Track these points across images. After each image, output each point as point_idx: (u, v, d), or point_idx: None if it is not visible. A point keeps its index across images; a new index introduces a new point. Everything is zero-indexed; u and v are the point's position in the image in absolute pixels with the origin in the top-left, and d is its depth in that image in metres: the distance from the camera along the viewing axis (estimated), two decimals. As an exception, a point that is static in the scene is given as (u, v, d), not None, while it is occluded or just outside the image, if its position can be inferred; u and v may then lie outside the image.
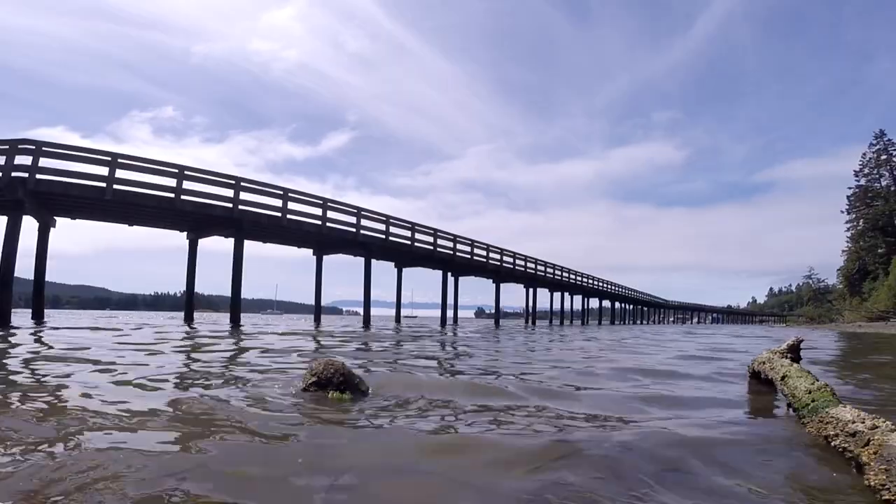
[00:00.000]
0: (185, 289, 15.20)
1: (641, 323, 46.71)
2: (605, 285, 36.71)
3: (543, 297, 31.95)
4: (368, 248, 16.88)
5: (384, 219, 17.48)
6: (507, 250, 24.11)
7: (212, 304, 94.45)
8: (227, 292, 13.65)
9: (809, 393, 1.89)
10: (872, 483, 1.19)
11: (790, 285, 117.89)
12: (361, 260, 17.28)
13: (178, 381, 2.75)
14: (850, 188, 49.72)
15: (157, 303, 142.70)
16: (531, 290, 28.37)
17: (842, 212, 50.31)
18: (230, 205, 12.89)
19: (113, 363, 3.39)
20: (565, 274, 30.30)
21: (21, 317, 12.62)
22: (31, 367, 3.27)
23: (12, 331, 7.10)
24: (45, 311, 13.05)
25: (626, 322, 43.99)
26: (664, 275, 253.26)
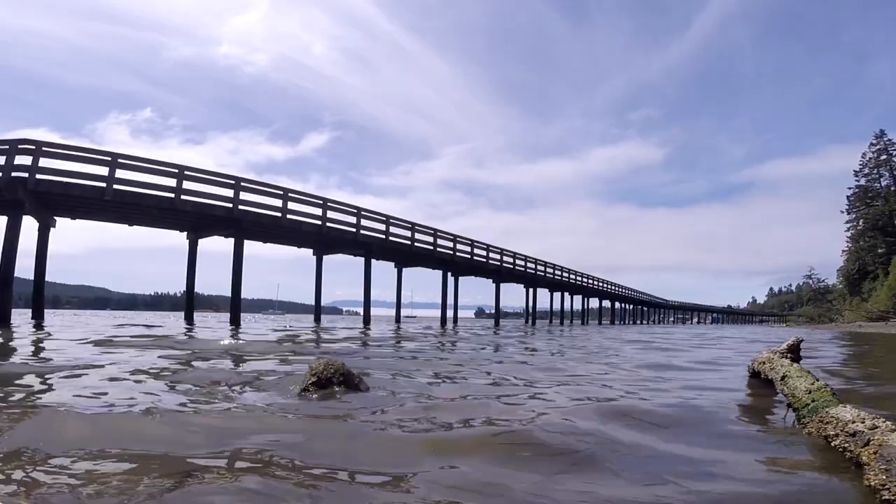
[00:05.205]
0: (185, 289, 15.22)
1: (641, 323, 46.73)
2: (605, 285, 36.73)
3: (543, 297, 32.01)
4: (368, 248, 16.89)
5: (384, 219, 17.49)
6: (507, 250, 24.14)
7: (212, 304, 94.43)
8: (228, 292, 13.67)
9: (809, 393, 1.90)
10: (872, 483, 1.19)
11: (790, 285, 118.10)
12: (361, 260, 17.29)
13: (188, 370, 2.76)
14: (849, 188, 49.84)
15: (157, 303, 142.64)
16: (531, 290, 28.39)
17: (841, 212, 50.43)
18: (230, 205, 12.90)
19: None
20: (565, 274, 30.33)
21: (21, 317, 12.62)
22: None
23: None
24: (45, 310, 13.04)
25: (626, 322, 44.00)
26: (663, 275, 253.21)
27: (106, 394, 2.21)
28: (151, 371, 3.05)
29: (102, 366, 3.18)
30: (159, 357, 3.85)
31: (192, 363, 3.57)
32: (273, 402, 2.15)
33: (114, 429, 1.57)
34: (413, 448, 1.50)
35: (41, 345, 5.10)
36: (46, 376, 2.74)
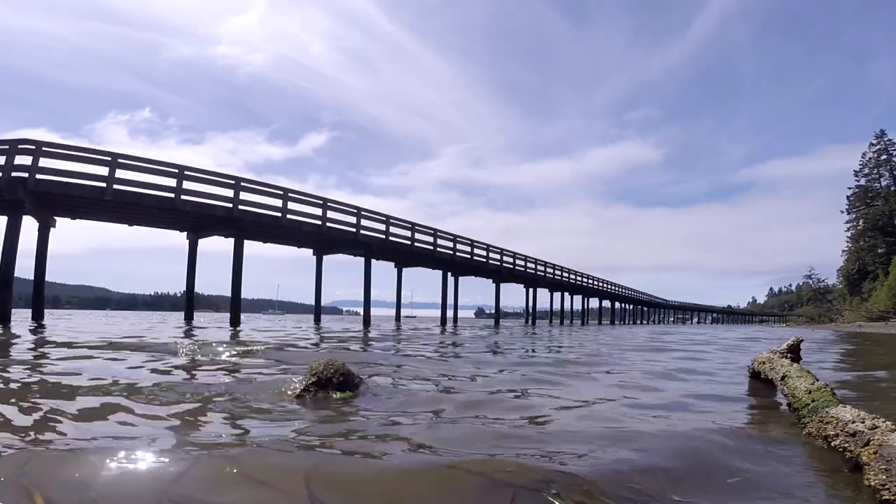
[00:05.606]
0: (185, 289, 15.21)
1: (641, 323, 46.73)
2: (605, 285, 36.72)
3: (543, 297, 32.01)
4: (368, 248, 16.89)
5: (384, 219, 17.49)
6: (507, 250, 24.13)
7: (212, 303, 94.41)
8: (228, 292, 13.66)
9: (809, 393, 1.90)
10: (872, 483, 1.19)
11: (790, 285, 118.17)
12: (361, 260, 17.29)
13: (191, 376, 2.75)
14: (849, 188, 49.85)
15: (157, 303, 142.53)
16: (531, 290, 28.38)
17: (841, 212, 50.46)
18: (230, 205, 12.89)
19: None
20: (565, 274, 30.32)
21: (21, 317, 12.62)
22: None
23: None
24: (45, 310, 13.04)
25: (626, 322, 44.01)
26: (663, 275, 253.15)
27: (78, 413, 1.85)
28: (143, 377, 3.04)
29: (80, 374, 2.84)
30: (156, 361, 3.85)
31: (189, 366, 3.56)
32: (266, 408, 2.14)
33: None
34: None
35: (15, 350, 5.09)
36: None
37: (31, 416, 1.81)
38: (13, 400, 2.04)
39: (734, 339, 10.44)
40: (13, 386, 2.44)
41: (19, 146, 10.20)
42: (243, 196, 13.20)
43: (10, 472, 1.11)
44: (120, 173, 11.12)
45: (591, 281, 33.93)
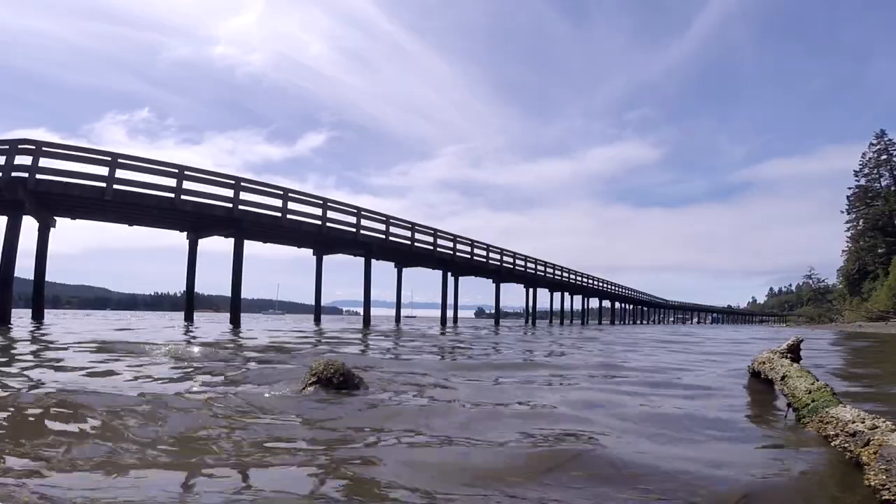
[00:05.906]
0: (185, 289, 15.21)
1: (641, 323, 46.73)
2: (605, 285, 36.73)
3: (543, 297, 32.00)
4: (368, 248, 16.89)
5: (384, 219, 17.49)
6: (507, 250, 24.13)
7: (212, 304, 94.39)
8: (228, 292, 13.67)
9: (809, 393, 1.90)
10: (872, 483, 1.19)
11: (790, 285, 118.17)
12: (361, 260, 17.29)
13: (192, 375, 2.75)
14: (849, 188, 49.84)
15: (157, 303, 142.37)
16: (531, 290, 28.38)
17: (841, 212, 50.46)
18: (230, 205, 12.89)
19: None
20: (565, 274, 30.32)
21: (21, 317, 12.62)
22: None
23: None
24: (45, 310, 13.04)
25: (626, 322, 44.02)
26: (663, 275, 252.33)
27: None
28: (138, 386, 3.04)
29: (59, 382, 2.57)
30: (156, 363, 3.85)
31: (190, 369, 3.56)
32: (266, 407, 2.14)
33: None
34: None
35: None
36: None
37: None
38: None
39: (753, 340, 10.36)
40: None
41: (19, 146, 10.20)
42: (243, 196, 13.20)
43: None
44: (120, 173, 11.12)
45: (591, 281, 33.94)
